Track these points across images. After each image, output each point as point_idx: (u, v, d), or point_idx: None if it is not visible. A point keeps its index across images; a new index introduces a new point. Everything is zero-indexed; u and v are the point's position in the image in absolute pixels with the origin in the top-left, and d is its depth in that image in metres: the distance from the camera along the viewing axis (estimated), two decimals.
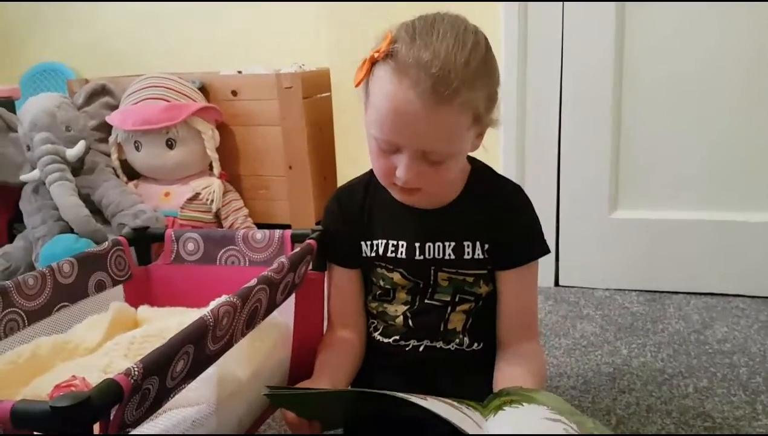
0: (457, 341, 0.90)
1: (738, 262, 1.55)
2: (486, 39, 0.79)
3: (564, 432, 0.64)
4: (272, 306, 0.84)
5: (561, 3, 1.54)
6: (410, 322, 0.91)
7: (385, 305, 0.93)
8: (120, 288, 1.03)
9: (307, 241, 0.93)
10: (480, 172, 0.90)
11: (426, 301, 0.90)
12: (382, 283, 0.92)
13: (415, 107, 0.74)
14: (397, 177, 0.80)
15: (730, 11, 1.45)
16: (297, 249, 0.91)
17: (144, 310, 1.01)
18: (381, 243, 0.91)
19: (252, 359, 0.84)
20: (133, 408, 0.57)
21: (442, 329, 0.90)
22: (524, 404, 0.70)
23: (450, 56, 0.73)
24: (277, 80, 1.90)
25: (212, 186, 1.89)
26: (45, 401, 0.51)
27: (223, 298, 0.74)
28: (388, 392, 0.70)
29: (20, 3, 2.59)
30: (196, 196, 1.88)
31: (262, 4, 2.31)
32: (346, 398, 0.79)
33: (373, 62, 0.78)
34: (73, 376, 0.67)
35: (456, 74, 0.73)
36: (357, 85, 0.81)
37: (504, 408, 0.70)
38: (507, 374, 0.85)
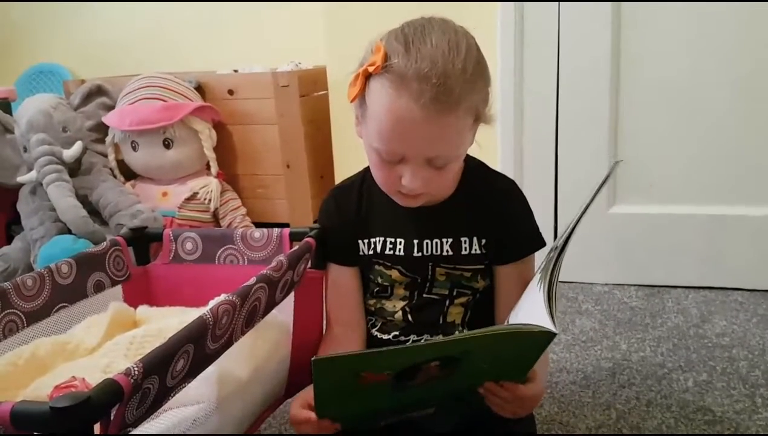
0: (457, 333, 0.90)
1: (736, 256, 1.56)
2: (473, 38, 0.79)
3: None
4: (271, 305, 0.84)
5: (557, 2, 1.54)
6: (410, 317, 0.91)
7: (383, 302, 0.93)
8: (119, 288, 1.03)
9: (306, 239, 0.93)
10: (474, 168, 0.91)
11: (424, 295, 0.91)
12: (380, 280, 0.92)
13: (418, 119, 0.73)
14: (404, 186, 0.80)
15: (727, 10, 1.45)
16: (296, 247, 0.91)
17: (143, 310, 1.01)
18: (379, 241, 0.91)
19: (252, 357, 0.84)
20: (133, 408, 0.57)
21: (441, 322, 0.91)
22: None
23: (448, 64, 0.73)
24: (273, 79, 1.90)
25: (210, 185, 1.89)
26: (45, 402, 0.51)
27: (222, 297, 0.74)
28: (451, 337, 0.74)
29: (16, 4, 2.58)
30: (193, 196, 1.87)
31: (259, 3, 2.31)
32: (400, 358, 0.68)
33: (366, 76, 0.77)
34: (73, 377, 0.67)
35: (456, 81, 0.73)
36: (352, 101, 0.80)
37: None
38: None
